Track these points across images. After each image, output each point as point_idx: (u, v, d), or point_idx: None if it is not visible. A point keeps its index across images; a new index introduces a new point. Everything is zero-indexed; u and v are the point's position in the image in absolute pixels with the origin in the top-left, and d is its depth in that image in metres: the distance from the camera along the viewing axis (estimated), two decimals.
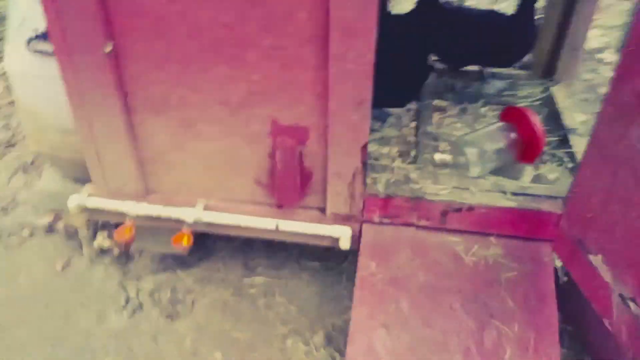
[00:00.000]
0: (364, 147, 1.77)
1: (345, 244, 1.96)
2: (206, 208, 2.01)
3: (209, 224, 2.03)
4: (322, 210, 1.97)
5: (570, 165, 2.04)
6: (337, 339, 2.00)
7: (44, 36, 1.92)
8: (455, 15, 2.44)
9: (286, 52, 1.65)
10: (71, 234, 2.43)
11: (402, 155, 2.10)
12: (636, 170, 1.38)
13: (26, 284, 2.26)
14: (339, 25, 1.54)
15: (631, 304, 1.44)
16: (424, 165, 2.01)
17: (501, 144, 1.96)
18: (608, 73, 3.70)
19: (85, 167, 2.06)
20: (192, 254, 2.29)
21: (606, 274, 1.53)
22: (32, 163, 2.93)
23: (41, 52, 1.95)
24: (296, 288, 2.21)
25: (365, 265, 1.87)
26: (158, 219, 2.05)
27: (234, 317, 2.08)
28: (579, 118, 2.37)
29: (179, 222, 2.02)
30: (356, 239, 1.96)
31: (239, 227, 2.02)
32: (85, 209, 2.10)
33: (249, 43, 1.65)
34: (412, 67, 2.30)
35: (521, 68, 2.69)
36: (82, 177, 2.14)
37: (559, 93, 2.48)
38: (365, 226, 1.95)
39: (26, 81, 2.06)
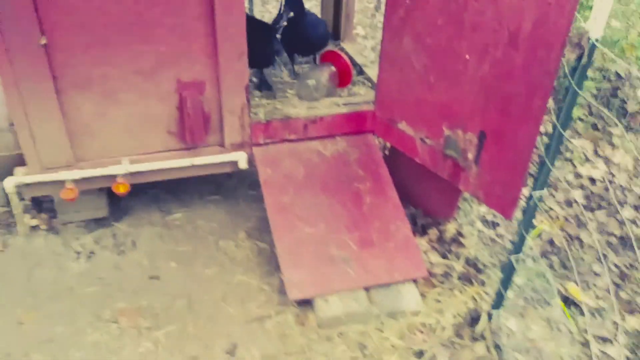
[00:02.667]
0: (246, 87, 2.55)
1: (243, 165, 2.71)
2: (131, 162, 2.57)
3: (136, 174, 2.58)
4: (221, 144, 2.69)
5: (369, 84, 3.11)
6: (254, 234, 2.76)
7: None
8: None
9: (184, 27, 2.35)
10: None
11: (265, 97, 2.93)
12: (412, 63, 2.44)
13: None
14: (221, 4, 2.31)
15: (427, 140, 2.52)
16: (283, 98, 2.87)
17: (327, 75, 2.93)
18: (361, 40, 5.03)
19: None
20: (110, 215, 2.79)
21: (409, 131, 2.59)
22: None
23: None
24: (209, 214, 2.88)
25: (264, 172, 2.66)
26: (91, 180, 2.53)
27: (172, 241, 2.68)
28: (364, 59, 3.49)
29: (110, 178, 2.54)
30: (250, 159, 2.73)
31: (160, 171, 2.62)
32: (21, 187, 2.48)
33: (155, 24, 2.31)
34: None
35: None
36: None
37: (346, 46, 3.59)
38: (255, 148, 2.73)
39: None
